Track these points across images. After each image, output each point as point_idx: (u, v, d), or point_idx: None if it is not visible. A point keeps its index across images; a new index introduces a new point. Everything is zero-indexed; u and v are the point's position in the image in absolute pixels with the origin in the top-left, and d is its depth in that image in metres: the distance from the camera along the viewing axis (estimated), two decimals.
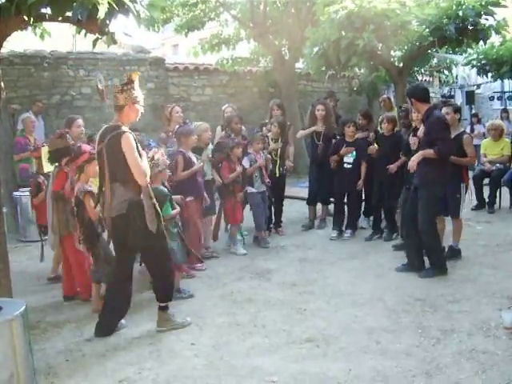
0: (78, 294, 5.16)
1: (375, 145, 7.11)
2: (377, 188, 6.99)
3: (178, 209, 5.15)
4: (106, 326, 4.30)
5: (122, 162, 3.98)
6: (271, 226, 7.48)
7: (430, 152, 5.26)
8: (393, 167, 6.62)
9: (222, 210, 6.70)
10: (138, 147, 4.06)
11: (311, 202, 7.81)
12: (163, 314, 4.37)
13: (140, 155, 4.06)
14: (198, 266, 5.92)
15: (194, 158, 6.03)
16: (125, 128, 4.06)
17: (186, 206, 5.74)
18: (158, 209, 4.18)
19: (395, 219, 6.90)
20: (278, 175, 7.33)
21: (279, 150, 7.32)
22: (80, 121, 5.99)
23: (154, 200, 4.14)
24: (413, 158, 5.44)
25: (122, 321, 4.43)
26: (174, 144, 6.26)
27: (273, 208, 7.46)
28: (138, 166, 3.99)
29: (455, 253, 5.97)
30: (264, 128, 7.60)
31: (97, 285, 4.83)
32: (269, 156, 7.14)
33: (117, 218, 4.08)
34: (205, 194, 6.09)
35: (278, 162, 7.32)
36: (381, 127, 7.24)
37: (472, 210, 8.16)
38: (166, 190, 5.02)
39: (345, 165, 7.12)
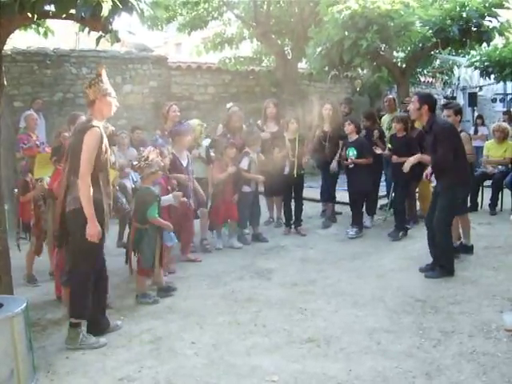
0: None
1: (388, 145, 7.14)
2: (393, 188, 7.22)
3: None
4: (94, 324, 4.15)
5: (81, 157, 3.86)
6: (291, 225, 7.46)
7: (427, 158, 5.53)
8: (406, 166, 6.26)
9: (210, 208, 6.69)
10: (104, 144, 3.93)
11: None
12: (72, 331, 4.00)
13: (105, 152, 3.93)
14: (196, 258, 6.22)
15: (186, 157, 6.12)
16: (95, 123, 3.93)
17: (184, 203, 5.78)
18: (107, 215, 4.02)
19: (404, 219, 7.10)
20: (296, 176, 7.19)
21: (296, 150, 7.14)
22: (83, 117, 5.97)
23: (111, 201, 4.09)
24: (410, 159, 5.79)
25: (118, 322, 4.37)
26: (169, 143, 6.26)
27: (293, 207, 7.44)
28: (85, 165, 3.81)
29: (468, 249, 6.11)
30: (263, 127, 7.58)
31: (66, 288, 4.42)
32: (262, 156, 7.09)
33: (69, 212, 3.94)
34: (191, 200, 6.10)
35: (296, 162, 7.15)
36: (389, 128, 7.30)
37: None
38: (155, 190, 5.01)
39: (349, 165, 7.17)
